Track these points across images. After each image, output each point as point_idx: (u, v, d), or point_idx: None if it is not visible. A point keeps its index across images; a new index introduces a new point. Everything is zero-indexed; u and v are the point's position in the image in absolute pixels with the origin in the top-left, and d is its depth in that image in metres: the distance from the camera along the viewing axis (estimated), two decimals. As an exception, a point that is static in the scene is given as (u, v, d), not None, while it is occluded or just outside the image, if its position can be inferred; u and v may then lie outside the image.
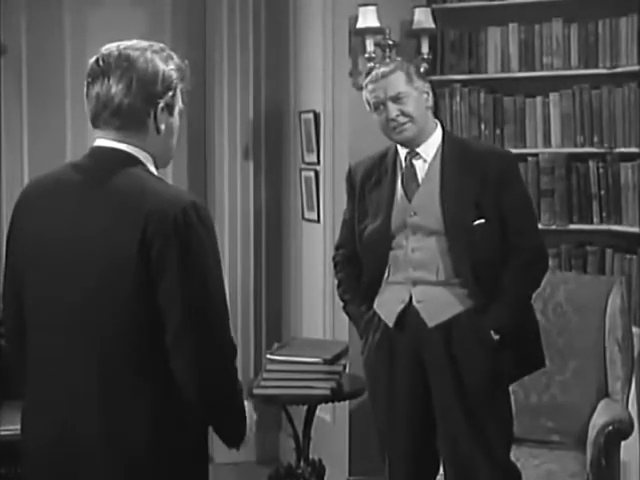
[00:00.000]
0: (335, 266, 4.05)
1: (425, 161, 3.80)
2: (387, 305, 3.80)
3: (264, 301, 6.07)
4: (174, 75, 2.58)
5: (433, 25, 5.16)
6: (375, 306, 3.84)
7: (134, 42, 2.58)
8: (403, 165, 3.82)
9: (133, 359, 2.33)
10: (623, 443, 4.28)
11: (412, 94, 3.75)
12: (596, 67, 5.04)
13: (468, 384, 3.69)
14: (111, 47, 2.55)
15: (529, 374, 3.93)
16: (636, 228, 4.84)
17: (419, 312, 3.72)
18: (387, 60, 4.62)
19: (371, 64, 5.00)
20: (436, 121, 3.87)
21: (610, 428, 4.08)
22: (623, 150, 4.94)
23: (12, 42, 5.96)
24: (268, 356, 4.52)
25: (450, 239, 3.68)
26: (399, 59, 4.24)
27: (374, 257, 3.82)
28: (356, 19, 5.07)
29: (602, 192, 4.99)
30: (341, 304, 4.04)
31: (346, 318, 4.42)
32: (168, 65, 2.58)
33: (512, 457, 3.82)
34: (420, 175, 3.79)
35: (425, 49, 5.16)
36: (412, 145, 3.79)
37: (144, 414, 2.33)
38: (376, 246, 3.80)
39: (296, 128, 5.71)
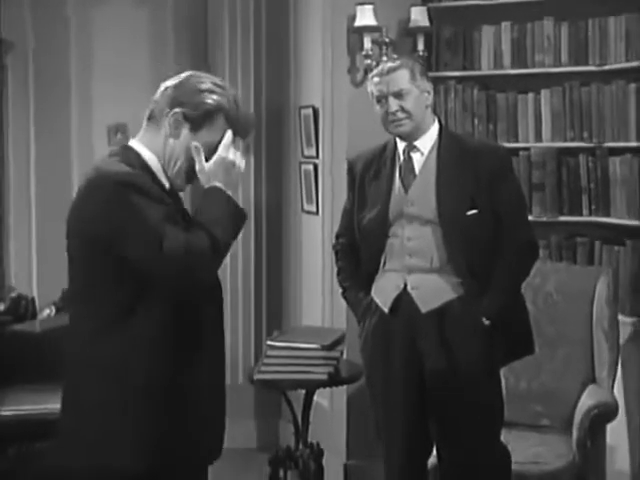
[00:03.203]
0: (336, 254, 4.18)
1: (422, 154, 3.92)
2: (383, 291, 3.92)
3: (265, 290, 6.15)
4: (215, 100, 2.70)
5: (428, 23, 5.27)
6: (372, 292, 3.96)
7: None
8: (401, 158, 3.95)
9: None
10: (610, 427, 4.44)
11: (414, 92, 3.88)
12: (586, 64, 5.15)
13: (460, 368, 3.81)
14: None
15: (519, 359, 4.04)
16: (624, 220, 4.96)
17: (413, 298, 3.84)
18: (395, 56, 4.73)
19: (368, 61, 5.14)
20: (434, 117, 4.00)
21: (595, 411, 4.23)
22: (612, 145, 5.05)
23: (18, 39, 6.08)
24: (268, 342, 4.64)
25: (444, 228, 3.81)
26: (406, 57, 4.31)
27: (372, 245, 3.95)
28: (354, 17, 5.17)
29: (591, 185, 5.11)
30: (340, 291, 4.16)
31: (344, 306, 4.57)
32: (215, 90, 2.72)
33: (502, 439, 3.94)
34: (417, 167, 3.92)
35: (421, 47, 5.28)
36: (410, 139, 3.92)
37: None
38: (374, 235, 3.93)
39: (296, 123, 5.80)
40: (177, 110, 2.68)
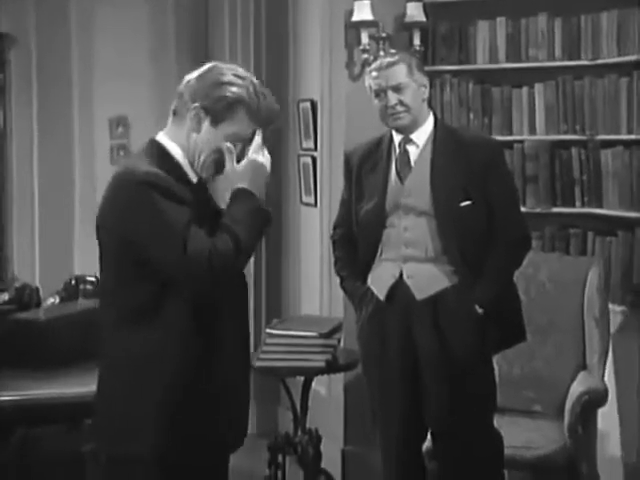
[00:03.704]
0: (333, 244, 4.27)
1: (418, 147, 4.02)
2: (379, 280, 4.02)
3: (264, 280, 6.21)
4: (235, 92, 2.70)
5: (425, 18, 5.32)
6: (369, 281, 4.06)
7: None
8: (397, 150, 4.04)
9: None
10: (601, 413, 4.52)
11: (411, 86, 3.97)
12: (579, 59, 5.23)
13: (453, 354, 3.91)
14: None
15: (511, 347, 4.14)
16: (616, 212, 5.05)
17: (409, 286, 3.94)
18: (392, 51, 4.80)
19: (365, 55, 5.21)
20: (429, 110, 4.09)
21: (586, 397, 4.32)
22: (604, 137, 5.13)
23: (21, 34, 6.18)
24: (267, 331, 4.74)
25: (439, 219, 3.91)
26: (403, 52, 4.39)
27: (369, 235, 4.04)
28: (351, 13, 5.23)
29: (584, 177, 5.19)
30: (338, 280, 4.25)
31: (341, 296, 4.67)
32: (235, 82, 2.71)
33: (495, 424, 4.04)
34: (413, 159, 4.01)
35: (417, 41, 5.33)
36: (406, 132, 4.01)
37: None
38: (371, 225, 4.02)
39: (294, 116, 5.85)
40: (197, 104, 2.69)
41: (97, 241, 2.76)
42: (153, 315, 2.68)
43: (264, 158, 2.75)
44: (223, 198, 2.77)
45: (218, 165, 2.75)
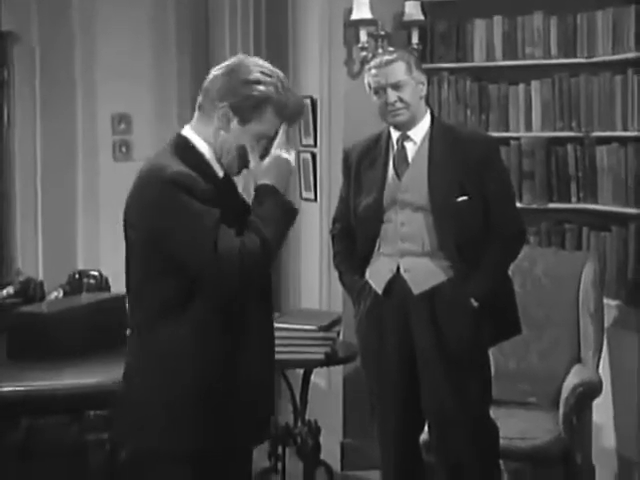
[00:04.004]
0: (332, 239, 4.34)
1: (415, 143, 4.08)
2: (377, 274, 4.08)
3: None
4: (262, 91, 2.68)
5: (423, 17, 5.39)
6: (367, 275, 4.12)
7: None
8: (395, 147, 4.10)
9: None
10: (596, 404, 4.59)
11: (410, 83, 4.03)
12: (574, 57, 5.29)
13: (450, 347, 3.97)
14: None
15: (506, 339, 4.21)
16: (610, 207, 5.10)
17: (406, 280, 4.00)
18: (390, 49, 4.86)
19: (364, 53, 5.29)
20: (426, 107, 4.15)
21: (580, 389, 4.39)
22: (599, 134, 5.19)
23: (24, 32, 6.25)
24: None
25: (435, 214, 3.97)
26: (402, 50, 4.45)
27: (367, 230, 4.10)
28: (350, 11, 5.31)
29: (579, 174, 5.26)
30: (337, 274, 4.32)
31: (340, 290, 4.73)
32: (263, 80, 2.69)
33: (491, 416, 4.09)
34: (410, 156, 4.07)
35: (415, 39, 5.41)
36: (404, 128, 4.07)
37: None
38: (369, 220, 4.08)
39: None
40: (225, 104, 2.68)
41: (124, 238, 2.78)
42: (180, 311, 2.68)
43: (289, 154, 2.75)
44: (249, 193, 2.78)
45: (242, 161, 2.75)
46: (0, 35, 6.08)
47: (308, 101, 5.66)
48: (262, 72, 2.71)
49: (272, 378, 2.93)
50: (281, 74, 2.75)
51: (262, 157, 2.73)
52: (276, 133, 2.74)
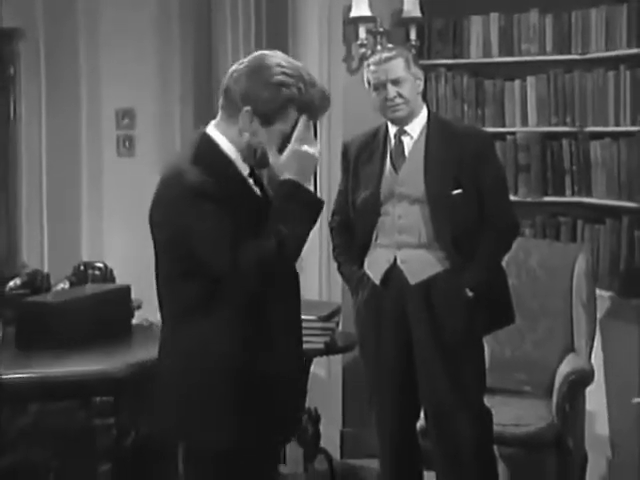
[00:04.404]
0: (331, 231, 4.42)
1: (412, 138, 4.17)
2: (375, 265, 4.18)
3: None
4: (285, 93, 2.67)
5: (420, 14, 5.47)
6: (365, 266, 4.21)
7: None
8: (392, 141, 4.19)
9: None
10: (589, 393, 4.69)
11: (409, 79, 4.12)
12: (569, 53, 5.37)
13: (445, 335, 4.06)
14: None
15: (500, 329, 4.30)
16: (604, 200, 5.19)
17: (402, 271, 4.10)
18: (389, 46, 4.93)
19: (363, 50, 5.37)
20: (423, 103, 4.25)
21: (573, 377, 4.49)
22: (593, 129, 5.28)
23: (30, 29, 6.24)
24: None
25: (431, 207, 4.06)
26: (400, 47, 4.53)
27: (365, 223, 4.19)
28: (349, 8, 5.39)
29: (574, 167, 5.34)
30: (336, 266, 4.40)
31: (339, 281, 4.82)
32: (286, 82, 2.67)
33: (487, 403, 4.18)
34: (407, 150, 4.16)
35: (413, 36, 5.49)
36: (402, 123, 4.17)
37: None
38: (367, 213, 4.18)
39: None
40: (248, 108, 2.67)
41: (152, 238, 2.81)
42: (205, 309, 2.71)
43: (312, 146, 2.71)
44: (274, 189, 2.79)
45: (263, 158, 2.75)
46: (6, 32, 6.05)
47: None
48: (284, 73, 2.68)
49: (300, 377, 2.95)
50: (304, 70, 2.72)
51: (281, 151, 2.72)
52: (295, 125, 2.72)
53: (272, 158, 2.73)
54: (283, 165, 2.70)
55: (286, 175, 2.69)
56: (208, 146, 2.75)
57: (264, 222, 2.68)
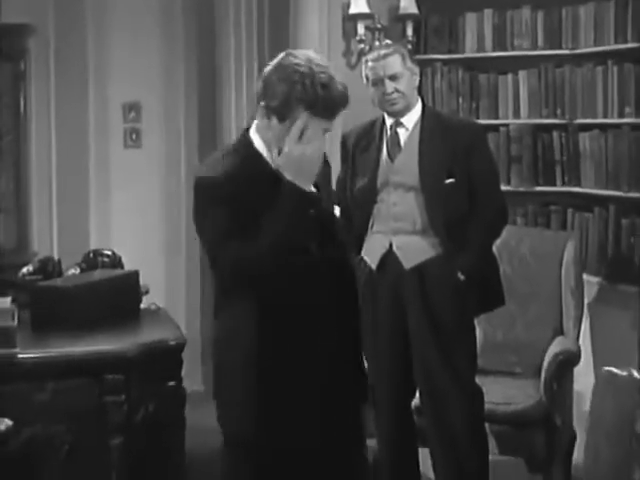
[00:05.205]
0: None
1: (407, 129, 4.33)
2: (371, 251, 4.32)
3: None
4: (288, 90, 2.68)
5: (417, 11, 5.64)
6: (362, 252, 4.35)
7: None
8: (388, 132, 4.35)
9: None
10: (577, 373, 4.85)
11: (406, 74, 4.27)
12: (559, 48, 5.56)
13: (438, 317, 4.22)
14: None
15: (490, 310, 4.44)
16: (593, 190, 5.38)
17: (398, 257, 4.24)
18: (386, 42, 5.05)
19: (362, 46, 5.54)
20: (418, 96, 4.40)
21: (561, 357, 4.66)
22: (582, 121, 5.46)
23: (40, 25, 6.36)
24: None
25: (425, 195, 4.21)
26: (397, 43, 4.68)
27: (362, 210, 4.33)
28: (348, 6, 5.57)
29: (564, 158, 5.53)
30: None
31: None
32: (292, 79, 2.67)
33: (479, 383, 4.31)
34: (402, 141, 4.32)
35: (410, 32, 5.66)
36: (398, 116, 4.32)
37: None
38: (364, 201, 4.32)
39: None
40: (262, 103, 2.72)
41: None
42: (227, 302, 2.83)
43: (303, 147, 2.68)
44: None
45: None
46: (16, 28, 6.17)
47: None
48: (297, 71, 2.68)
49: (328, 368, 2.85)
50: (321, 69, 2.70)
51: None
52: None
53: (273, 163, 2.77)
54: (281, 166, 2.71)
55: (286, 176, 2.70)
56: (244, 144, 2.82)
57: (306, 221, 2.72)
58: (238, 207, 2.68)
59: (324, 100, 2.68)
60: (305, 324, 2.79)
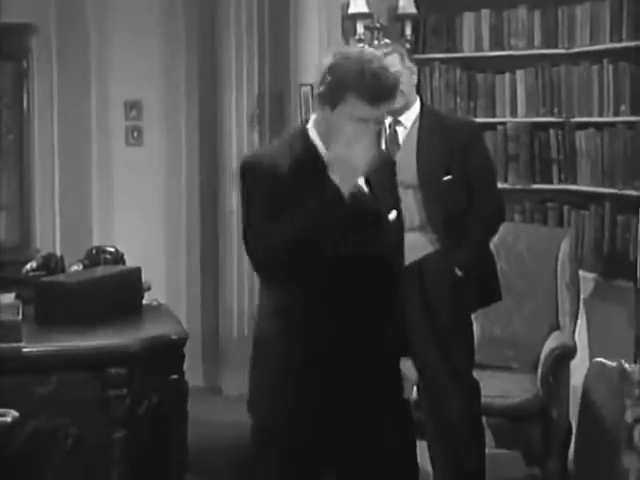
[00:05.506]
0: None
1: (405, 127, 4.39)
2: None
3: None
4: (339, 75, 2.72)
5: (415, 11, 5.69)
6: None
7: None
8: (387, 131, 4.41)
9: None
10: (574, 368, 4.88)
11: (405, 73, 4.33)
12: (556, 48, 5.61)
13: (436, 312, 4.28)
14: None
15: (487, 305, 4.49)
16: (589, 187, 5.43)
17: None
18: (385, 41, 5.11)
19: (361, 45, 5.58)
20: (416, 95, 4.47)
21: (557, 352, 4.73)
22: (578, 120, 5.51)
23: (42, 24, 6.44)
24: None
25: (423, 192, 4.28)
26: (395, 43, 4.75)
27: None
28: (348, 5, 5.62)
29: (560, 156, 5.59)
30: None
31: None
32: (342, 65, 2.73)
33: (476, 377, 4.38)
34: (401, 139, 4.39)
35: (408, 32, 5.71)
36: (397, 114, 4.37)
37: None
38: None
39: (296, 99, 6.13)
40: (317, 91, 2.79)
41: None
42: (264, 291, 2.91)
43: (357, 146, 2.72)
44: None
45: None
46: (19, 28, 6.24)
47: (309, 89, 5.89)
48: (344, 57, 2.75)
49: (356, 362, 2.85)
50: (372, 58, 2.75)
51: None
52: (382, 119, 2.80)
53: (325, 153, 2.80)
54: (329, 164, 2.75)
55: (332, 175, 2.72)
56: (299, 133, 2.88)
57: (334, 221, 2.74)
58: (277, 191, 2.73)
59: (372, 87, 2.71)
60: (334, 320, 2.82)
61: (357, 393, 2.86)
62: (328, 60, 2.78)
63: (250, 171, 2.81)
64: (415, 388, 4.43)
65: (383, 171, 2.99)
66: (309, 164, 2.79)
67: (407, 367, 3.01)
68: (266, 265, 2.77)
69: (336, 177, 2.70)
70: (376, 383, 2.89)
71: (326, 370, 2.82)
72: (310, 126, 2.87)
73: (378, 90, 2.72)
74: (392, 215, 3.03)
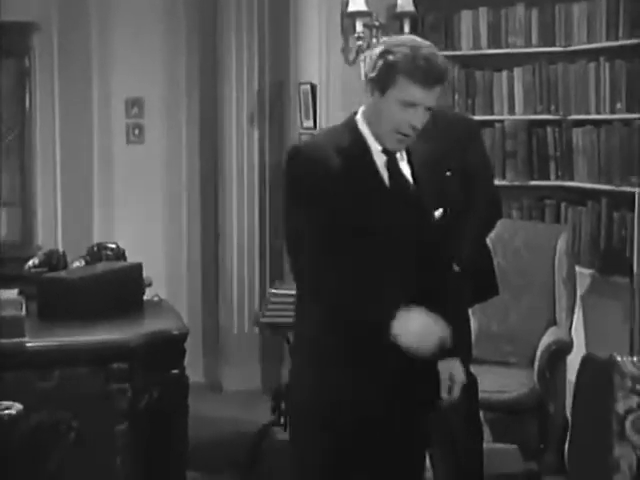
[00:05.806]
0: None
1: None
2: None
3: (268, 245, 6.60)
4: (391, 58, 2.76)
5: (414, 9, 5.70)
6: None
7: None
8: None
9: None
10: (571, 363, 4.86)
11: None
12: (553, 45, 5.65)
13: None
14: None
15: (485, 300, 4.50)
16: (585, 184, 5.48)
17: None
18: (384, 39, 5.16)
19: (360, 42, 5.62)
20: None
21: (554, 347, 4.79)
22: (575, 117, 5.56)
23: (44, 22, 6.48)
24: (271, 290, 5.19)
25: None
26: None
27: None
28: (347, 4, 5.64)
29: (558, 153, 5.64)
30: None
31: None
32: (392, 50, 2.77)
33: (473, 372, 4.26)
34: None
35: (407, 29, 5.69)
36: None
37: None
38: None
39: (295, 98, 6.19)
40: (367, 78, 2.82)
41: None
42: (300, 299, 3.00)
43: (420, 339, 2.87)
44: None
45: (399, 134, 2.86)
46: (21, 26, 6.28)
47: (308, 87, 5.98)
48: (395, 44, 2.79)
49: (385, 357, 2.90)
50: (423, 45, 2.81)
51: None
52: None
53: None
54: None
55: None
56: (348, 123, 2.91)
57: (380, 212, 2.83)
58: (327, 190, 2.78)
59: (424, 69, 2.74)
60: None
61: (402, 386, 2.93)
62: (379, 48, 2.82)
63: (298, 167, 2.86)
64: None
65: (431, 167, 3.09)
66: (358, 159, 2.83)
67: (456, 367, 3.05)
68: (315, 291, 2.87)
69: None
70: (423, 380, 3.00)
71: (375, 356, 2.87)
72: (359, 117, 2.89)
73: (429, 72, 2.76)
74: (438, 212, 3.10)
